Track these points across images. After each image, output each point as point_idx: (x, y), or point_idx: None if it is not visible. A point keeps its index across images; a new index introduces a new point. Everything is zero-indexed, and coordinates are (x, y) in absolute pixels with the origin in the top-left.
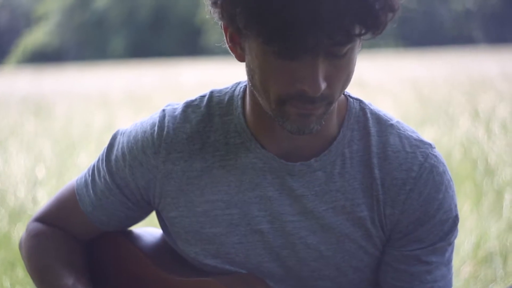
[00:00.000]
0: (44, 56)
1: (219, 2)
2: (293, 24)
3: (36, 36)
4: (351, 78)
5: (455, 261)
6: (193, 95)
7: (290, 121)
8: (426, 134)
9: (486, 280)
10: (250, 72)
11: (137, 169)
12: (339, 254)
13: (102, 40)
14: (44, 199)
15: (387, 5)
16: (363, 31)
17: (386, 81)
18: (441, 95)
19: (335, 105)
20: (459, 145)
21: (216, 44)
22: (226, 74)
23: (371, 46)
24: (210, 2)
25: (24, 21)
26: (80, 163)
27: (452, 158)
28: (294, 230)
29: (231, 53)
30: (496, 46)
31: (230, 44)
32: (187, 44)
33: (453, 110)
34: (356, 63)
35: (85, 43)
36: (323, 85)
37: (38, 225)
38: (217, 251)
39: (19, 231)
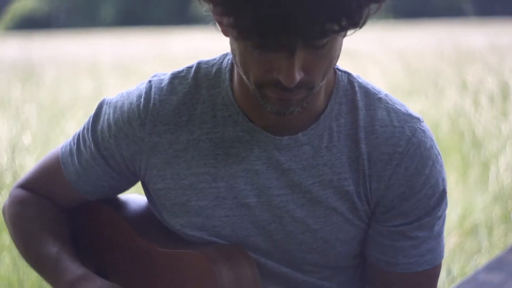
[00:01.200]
0: (33, 23)
1: None
2: (266, 22)
3: (26, 2)
4: (335, 63)
5: None
6: (182, 65)
7: (270, 104)
8: (414, 105)
9: (471, 251)
10: (232, 51)
11: (123, 140)
12: (326, 227)
13: (92, 7)
14: (29, 166)
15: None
16: (339, 29)
17: (375, 52)
18: (430, 67)
19: (323, 83)
20: (447, 117)
21: (204, 13)
22: (216, 44)
23: None
24: None
25: None
26: (68, 130)
27: (440, 130)
28: (281, 203)
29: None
30: (485, 19)
31: (216, 18)
32: (178, 13)
33: (441, 82)
34: (342, 47)
35: (75, 10)
36: (298, 76)
37: (21, 192)
38: (203, 224)
39: (4, 197)
